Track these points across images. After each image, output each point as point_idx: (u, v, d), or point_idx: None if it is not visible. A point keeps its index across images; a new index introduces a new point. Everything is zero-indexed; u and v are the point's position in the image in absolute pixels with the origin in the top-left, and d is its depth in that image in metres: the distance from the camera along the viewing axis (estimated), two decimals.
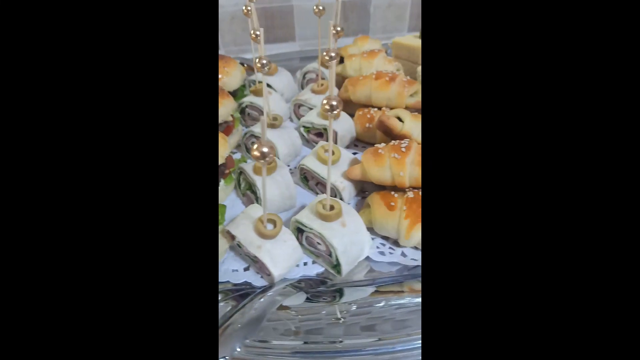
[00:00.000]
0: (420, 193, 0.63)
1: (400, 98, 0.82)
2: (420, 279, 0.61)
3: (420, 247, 0.63)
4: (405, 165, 0.62)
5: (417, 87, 0.84)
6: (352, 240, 0.58)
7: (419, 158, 0.63)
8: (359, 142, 0.88)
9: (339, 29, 0.79)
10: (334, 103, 0.46)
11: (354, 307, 0.57)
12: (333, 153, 0.71)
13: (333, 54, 0.54)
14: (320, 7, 0.85)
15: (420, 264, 0.62)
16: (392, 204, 0.63)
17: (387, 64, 0.92)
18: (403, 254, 0.64)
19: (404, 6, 1.55)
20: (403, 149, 0.63)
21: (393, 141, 0.67)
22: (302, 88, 1.04)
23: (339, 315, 0.55)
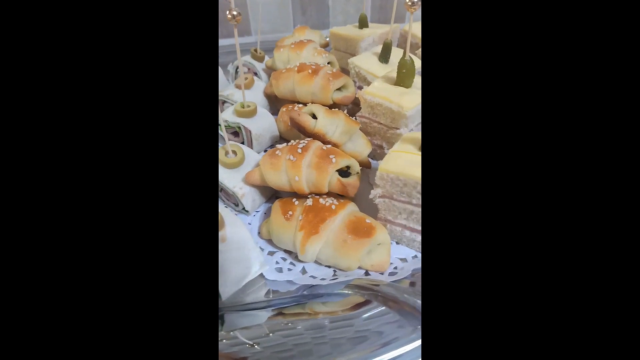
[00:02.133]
0: (320, 200, 0.54)
1: (325, 92, 0.74)
2: (323, 299, 0.53)
3: (323, 264, 0.55)
4: (301, 168, 0.54)
5: (345, 80, 0.75)
6: (233, 257, 0.50)
7: (319, 160, 0.54)
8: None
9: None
10: None
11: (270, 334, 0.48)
12: (235, 154, 0.62)
13: None
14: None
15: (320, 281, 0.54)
16: (290, 212, 0.54)
17: (316, 56, 0.83)
18: (304, 270, 0.55)
19: None
20: (299, 150, 0.55)
21: (292, 141, 0.58)
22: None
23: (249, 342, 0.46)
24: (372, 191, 0.54)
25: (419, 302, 0.46)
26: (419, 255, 0.56)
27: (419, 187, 0.49)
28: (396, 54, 0.81)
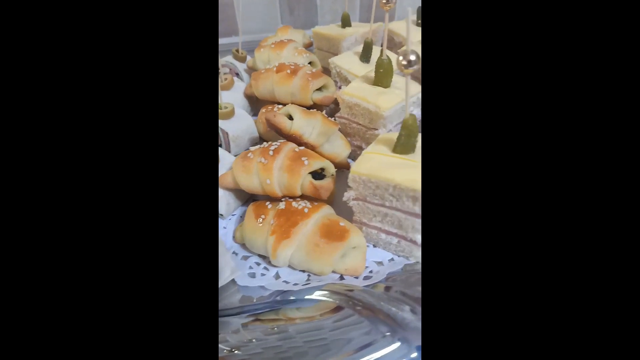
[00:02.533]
0: (293, 203, 0.53)
1: (304, 93, 0.72)
2: (297, 305, 0.52)
3: (296, 268, 0.54)
4: (272, 171, 0.52)
5: (325, 80, 0.74)
6: None
7: (291, 163, 0.53)
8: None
9: None
10: None
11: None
12: None
13: None
14: None
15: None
16: (263, 216, 0.53)
17: (297, 56, 0.82)
18: (277, 275, 0.54)
19: None
20: (271, 153, 0.53)
21: (264, 143, 0.57)
22: None
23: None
24: (345, 194, 0.53)
25: (394, 309, 0.45)
26: (396, 258, 0.55)
27: (391, 190, 0.48)
28: (378, 53, 0.80)
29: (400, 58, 0.42)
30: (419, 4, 0.90)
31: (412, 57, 0.42)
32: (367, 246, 0.56)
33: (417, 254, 0.52)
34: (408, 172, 0.46)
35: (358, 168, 0.49)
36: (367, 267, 0.54)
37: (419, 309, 0.45)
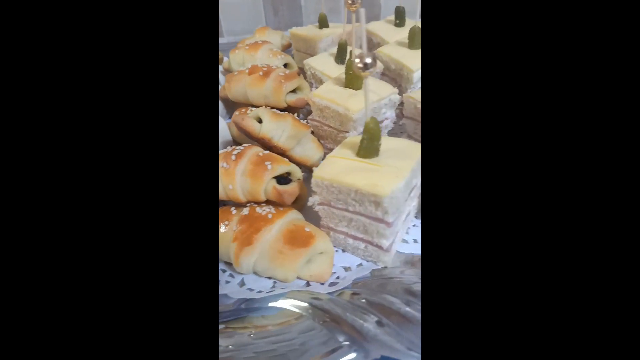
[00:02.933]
0: (257, 209, 0.52)
1: (277, 95, 0.71)
2: (261, 313, 0.50)
3: (261, 275, 0.53)
4: (234, 176, 0.51)
5: (299, 82, 0.73)
6: None
7: (254, 167, 0.52)
8: None
9: None
10: None
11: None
12: None
13: None
14: None
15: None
16: (227, 222, 0.52)
17: (271, 57, 0.81)
18: (242, 283, 0.53)
19: None
20: (233, 157, 0.52)
21: (228, 147, 0.56)
22: None
23: None
24: (310, 198, 0.51)
25: (360, 321, 0.43)
26: (365, 263, 0.54)
27: (353, 194, 0.47)
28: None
29: (357, 61, 0.41)
30: (398, 3, 0.89)
31: (368, 60, 0.40)
32: (336, 251, 0.55)
33: (384, 258, 0.51)
34: (370, 176, 0.45)
35: (321, 172, 0.48)
36: (334, 272, 0.53)
37: (386, 320, 0.44)
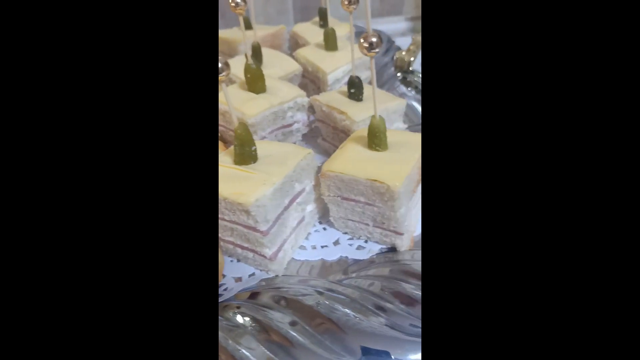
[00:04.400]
0: None
1: None
2: None
3: None
4: None
5: None
6: None
7: None
8: None
9: None
10: None
11: None
12: None
13: None
14: None
15: None
16: None
17: None
18: None
19: None
20: None
21: None
22: None
23: None
24: None
25: (233, 346, 0.41)
26: (257, 272, 0.52)
27: (224, 204, 0.45)
28: (276, 57, 0.78)
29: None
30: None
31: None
32: (232, 261, 0.54)
33: (273, 267, 0.50)
34: (238, 185, 0.43)
35: None
36: (223, 284, 0.51)
37: (263, 339, 0.41)
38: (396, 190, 0.43)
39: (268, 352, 0.40)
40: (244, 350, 0.40)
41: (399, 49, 0.96)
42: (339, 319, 0.42)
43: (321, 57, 0.74)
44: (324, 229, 0.58)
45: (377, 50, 0.41)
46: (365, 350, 0.40)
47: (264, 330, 0.42)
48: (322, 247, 0.56)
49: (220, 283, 0.51)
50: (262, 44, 0.87)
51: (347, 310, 0.43)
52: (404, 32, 1.49)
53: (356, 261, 0.53)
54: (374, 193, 0.46)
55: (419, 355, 0.39)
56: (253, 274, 0.53)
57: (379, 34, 0.41)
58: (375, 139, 0.46)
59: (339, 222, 0.55)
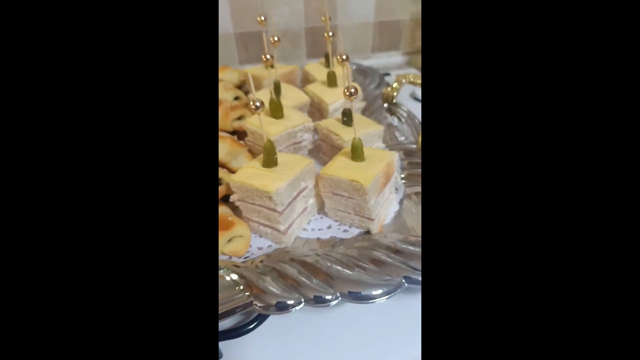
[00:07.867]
0: None
1: (224, 121, 0.94)
2: None
3: None
4: None
5: (243, 111, 0.96)
6: None
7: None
8: None
9: None
10: None
11: None
12: None
13: None
14: None
15: None
16: None
17: (224, 92, 1.04)
18: None
19: (299, 36, 1.68)
20: None
21: None
22: None
23: None
24: (231, 196, 0.73)
25: (260, 281, 0.64)
26: (273, 244, 0.75)
27: (255, 192, 0.68)
28: (291, 91, 1.03)
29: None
30: None
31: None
32: (255, 236, 0.77)
33: (284, 239, 0.72)
34: (265, 179, 0.67)
35: (236, 177, 0.70)
36: (249, 251, 0.74)
37: (279, 280, 0.63)
38: (367, 187, 0.66)
39: (283, 287, 0.62)
40: (267, 285, 0.62)
41: (387, 84, 1.20)
42: (331, 271, 0.64)
43: (324, 91, 0.99)
44: (321, 217, 0.81)
45: (355, 96, 0.64)
46: (349, 292, 0.62)
47: (279, 276, 0.64)
48: (319, 229, 0.78)
49: (247, 251, 0.74)
50: (280, 80, 1.13)
51: (337, 266, 0.65)
52: (400, 65, 1.74)
53: (342, 239, 0.75)
54: (353, 189, 0.68)
55: (380, 291, 0.61)
56: (270, 246, 0.75)
57: (356, 87, 0.64)
58: (355, 153, 0.70)
59: (331, 212, 0.77)
